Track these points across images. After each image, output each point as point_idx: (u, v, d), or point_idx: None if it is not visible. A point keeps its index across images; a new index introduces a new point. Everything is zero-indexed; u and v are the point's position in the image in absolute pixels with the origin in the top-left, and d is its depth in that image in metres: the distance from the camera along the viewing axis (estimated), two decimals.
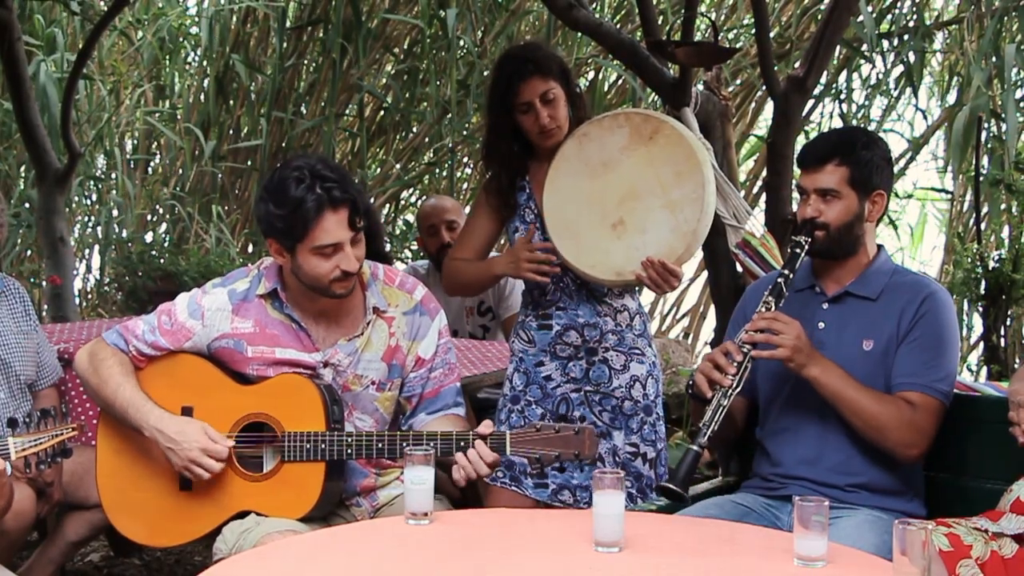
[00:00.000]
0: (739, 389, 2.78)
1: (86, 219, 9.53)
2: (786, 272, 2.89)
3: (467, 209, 8.83)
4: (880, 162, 2.94)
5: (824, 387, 2.81)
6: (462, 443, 2.68)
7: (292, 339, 2.91)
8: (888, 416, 2.80)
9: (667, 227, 3.26)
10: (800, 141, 5.31)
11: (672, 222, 3.25)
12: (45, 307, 7.34)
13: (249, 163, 8.99)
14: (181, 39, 9.35)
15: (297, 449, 2.78)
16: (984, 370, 5.82)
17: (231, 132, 9.28)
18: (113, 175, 9.06)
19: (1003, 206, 7.21)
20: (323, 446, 2.77)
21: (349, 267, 2.79)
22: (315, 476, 2.79)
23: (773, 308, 2.84)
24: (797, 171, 3.07)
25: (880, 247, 3.04)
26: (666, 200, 3.27)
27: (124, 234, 9.16)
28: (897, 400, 2.83)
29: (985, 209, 6.96)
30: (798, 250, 2.90)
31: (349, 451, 2.77)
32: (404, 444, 2.71)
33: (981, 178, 6.47)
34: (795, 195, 3.06)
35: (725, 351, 2.82)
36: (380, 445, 2.77)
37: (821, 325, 2.96)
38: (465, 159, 9.36)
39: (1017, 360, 6.33)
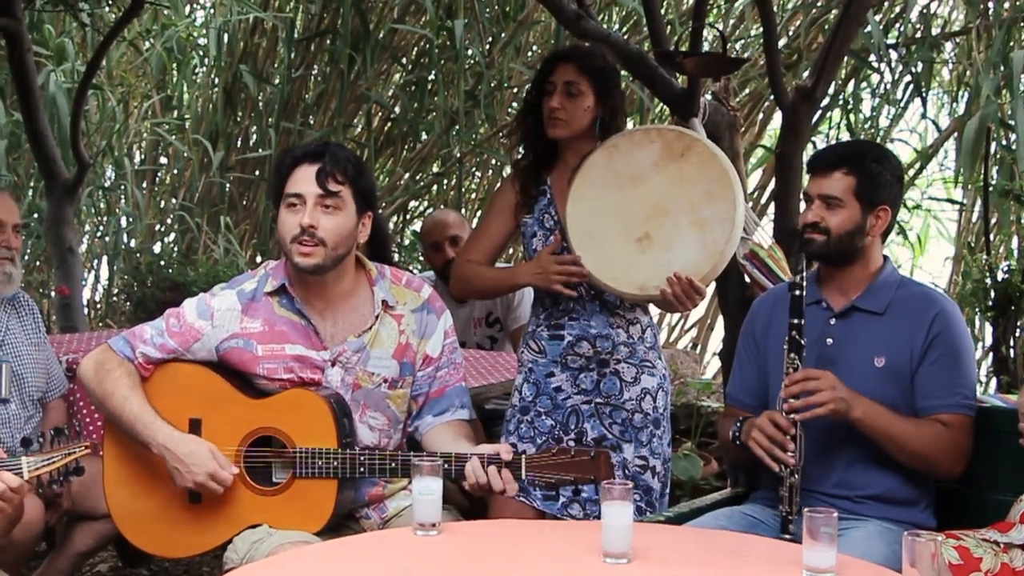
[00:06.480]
0: (803, 461, 2.79)
1: (95, 229, 9.55)
2: (797, 292, 2.86)
3: (475, 220, 8.90)
4: (889, 178, 2.94)
5: (868, 427, 2.81)
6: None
7: (300, 336, 2.92)
8: (932, 445, 2.82)
9: (695, 245, 3.25)
10: (808, 151, 5.31)
11: (700, 240, 3.25)
12: (54, 317, 7.35)
13: (257, 173, 9.00)
14: (189, 50, 9.37)
15: (309, 465, 2.77)
16: (993, 381, 5.80)
17: (239, 143, 9.30)
18: (122, 185, 9.07)
19: (1012, 217, 7.20)
20: (336, 463, 2.77)
21: (304, 221, 2.81)
22: (328, 492, 2.79)
23: (798, 365, 2.83)
24: (806, 179, 3.07)
25: (886, 258, 3.04)
26: (695, 218, 3.26)
27: (133, 244, 9.18)
28: (934, 425, 2.84)
29: (994, 220, 6.94)
30: (799, 262, 2.89)
31: (362, 469, 2.77)
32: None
33: (990, 189, 6.46)
34: (803, 206, 3.05)
35: (774, 421, 2.82)
36: (394, 464, 2.77)
37: (829, 341, 2.95)
38: (473, 169, 9.36)
39: None
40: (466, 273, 3.60)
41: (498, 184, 9.17)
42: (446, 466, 2.65)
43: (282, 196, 2.88)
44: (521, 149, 3.63)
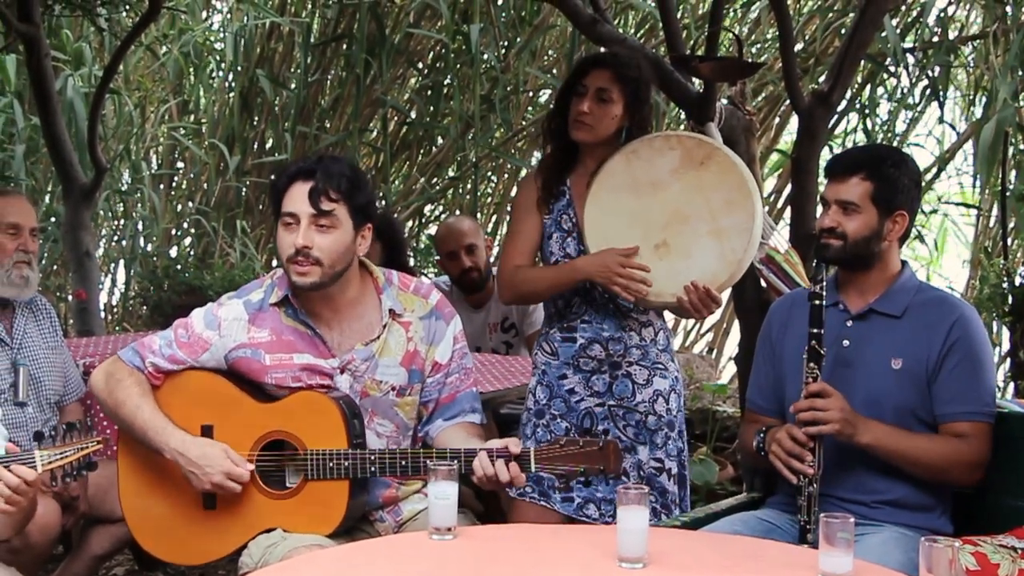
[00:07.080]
0: (822, 471, 2.79)
1: (112, 233, 9.59)
2: (816, 302, 2.84)
3: (490, 224, 8.90)
4: (907, 183, 2.92)
5: (879, 450, 2.80)
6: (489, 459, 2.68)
7: (308, 345, 2.91)
8: (946, 458, 2.81)
9: (713, 254, 3.25)
10: (825, 156, 5.29)
11: (718, 249, 3.25)
12: (71, 321, 7.38)
13: (273, 178, 9.01)
14: (206, 55, 9.40)
15: (320, 467, 2.78)
16: (1011, 386, 5.77)
17: (255, 147, 9.33)
18: (139, 190, 9.11)
19: None
20: (347, 464, 2.77)
21: (298, 242, 2.80)
22: (340, 493, 2.79)
23: (818, 375, 2.81)
24: (822, 184, 3.06)
25: (904, 263, 3.02)
26: (714, 227, 3.26)
27: (149, 248, 9.21)
28: (950, 440, 2.82)
29: (1012, 224, 6.91)
30: (818, 271, 2.87)
31: (373, 468, 2.77)
32: (428, 461, 2.70)
33: (1007, 193, 6.43)
34: (820, 210, 3.04)
35: (791, 435, 2.81)
36: (404, 463, 2.77)
37: (846, 343, 2.94)
38: (489, 173, 9.37)
39: None
40: (518, 280, 3.51)
41: (514, 188, 9.26)
42: (455, 462, 2.64)
43: (278, 212, 2.88)
44: (546, 145, 3.63)
